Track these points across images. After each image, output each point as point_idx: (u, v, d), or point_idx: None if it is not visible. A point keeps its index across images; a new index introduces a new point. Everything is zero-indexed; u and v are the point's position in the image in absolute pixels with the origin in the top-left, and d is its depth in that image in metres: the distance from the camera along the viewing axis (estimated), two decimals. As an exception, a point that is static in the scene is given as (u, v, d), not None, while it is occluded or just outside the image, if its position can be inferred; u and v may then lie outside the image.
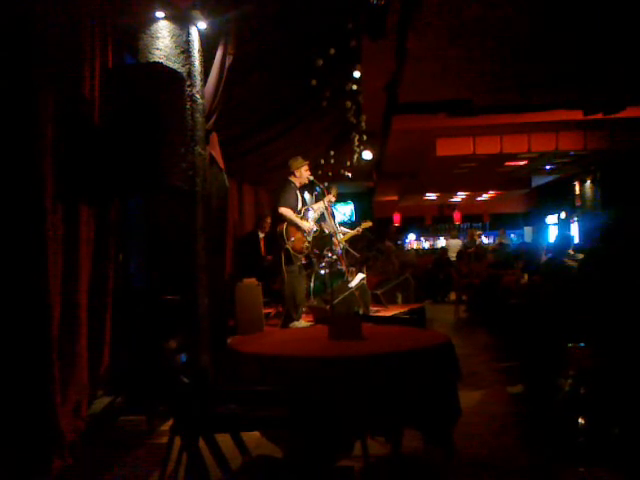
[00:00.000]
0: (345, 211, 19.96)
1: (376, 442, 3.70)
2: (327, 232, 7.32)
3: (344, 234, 8.09)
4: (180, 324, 4.40)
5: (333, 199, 7.64)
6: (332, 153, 10.55)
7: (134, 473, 3.58)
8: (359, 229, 8.36)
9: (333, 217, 7.48)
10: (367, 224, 8.48)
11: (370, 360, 2.83)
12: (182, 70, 4.60)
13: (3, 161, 3.29)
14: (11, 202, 3.30)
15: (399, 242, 20.92)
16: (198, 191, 4.70)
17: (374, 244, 13.36)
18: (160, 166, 3.88)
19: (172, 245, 4.70)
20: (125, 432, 4.21)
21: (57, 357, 3.44)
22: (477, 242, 17.04)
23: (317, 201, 7.21)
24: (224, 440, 2.60)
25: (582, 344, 4.30)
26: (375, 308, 7.88)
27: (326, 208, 7.13)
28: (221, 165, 5.49)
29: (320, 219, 7.22)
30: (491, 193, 22.69)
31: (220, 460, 2.45)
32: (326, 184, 7.83)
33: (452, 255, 15.27)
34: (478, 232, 21.02)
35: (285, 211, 6.66)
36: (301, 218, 6.78)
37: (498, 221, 24.65)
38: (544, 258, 7.49)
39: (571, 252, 7.07)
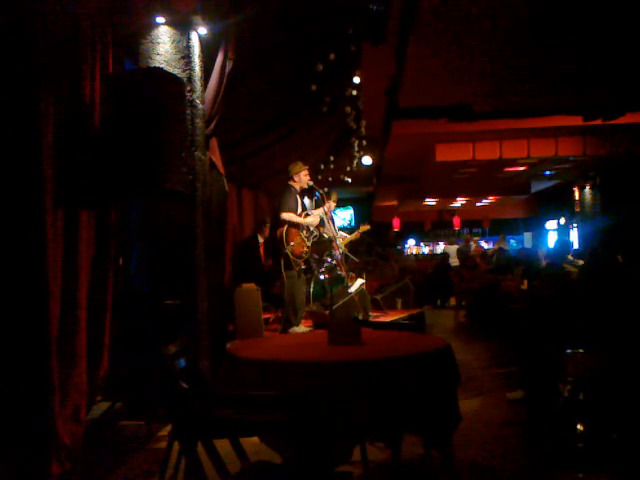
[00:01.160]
0: (345, 216, 19.98)
1: (375, 448, 3.69)
2: (326, 237, 7.31)
3: (343, 239, 8.08)
4: (179, 328, 4.40)
5: (333, 204, 7.63)
6: (332, 158, 10.55)
7: (133, 478, 3.58)
8: (358, 233, 8.35)
9: (332, 222, 7.46)
10: (365, 227, 8.48)
11: (369, 365, 2.84)
12: (182, 75, 4.61)
13: (4, 162, 3.30)
14: (11, 203, 3.30)
15: (398, 247, 20.93)
16: (198, 195, 4.71)
17: (374, 249, 13.36)
18: (160, 170, 3.89)
19: (172, 249, 4.70)
20: (124, 437, 4.20)
21: (56, 361, 3.43)
22: (473, 247, 17.01)
23: (317, 206, 7.19)
24: (223, 446, 2.59)
25: (581, 350, 4.30)
26: (375, 313, 7.86)
27: (325, 213, 7.12)
28: (221, 170, 5.50)
29: (320, 224, 7.21)
30: (491, 198, 22.70)
31: (218, 465, 2.45)
32: (326, 189, 7.83)
33: (450, 260, 15.36)
34: (475, 238, 21.00)
35: (287, 216, 6.57)
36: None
37: (498, 226, 24.64)
38: (543, 263, 7.50)
39: (570, 258, 7.08)
